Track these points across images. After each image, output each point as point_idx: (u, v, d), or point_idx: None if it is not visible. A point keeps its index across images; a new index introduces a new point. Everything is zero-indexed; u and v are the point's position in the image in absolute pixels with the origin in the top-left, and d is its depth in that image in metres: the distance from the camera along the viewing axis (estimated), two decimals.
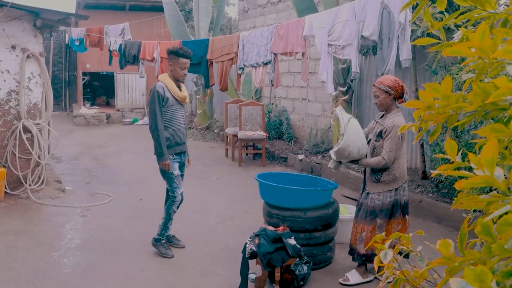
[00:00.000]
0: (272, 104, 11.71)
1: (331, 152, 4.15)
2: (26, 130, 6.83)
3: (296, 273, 4.06)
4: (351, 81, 8.20)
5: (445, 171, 1.23)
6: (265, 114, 10.56)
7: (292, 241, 4.06)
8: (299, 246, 4.07)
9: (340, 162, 4.19)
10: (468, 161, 1.11)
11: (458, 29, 1.64)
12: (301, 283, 4.12)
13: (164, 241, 4.93)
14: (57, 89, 17.97)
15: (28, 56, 6.87)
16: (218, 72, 8.84)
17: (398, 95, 4.06)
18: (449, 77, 1.30)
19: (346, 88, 8.19)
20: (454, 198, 5.04)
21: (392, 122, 3.99)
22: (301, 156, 8.99)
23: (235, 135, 9.65)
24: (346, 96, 8.24)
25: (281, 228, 4.24)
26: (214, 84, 9.24)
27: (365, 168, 4.27)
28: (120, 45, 10.93)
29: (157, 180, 7.92)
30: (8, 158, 6.77)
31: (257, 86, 8.05)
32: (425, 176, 6.82)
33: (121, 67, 10.98)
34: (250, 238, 4.11)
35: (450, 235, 5.36)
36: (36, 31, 7.00)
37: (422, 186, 6.56)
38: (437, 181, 6.35)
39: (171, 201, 4.91)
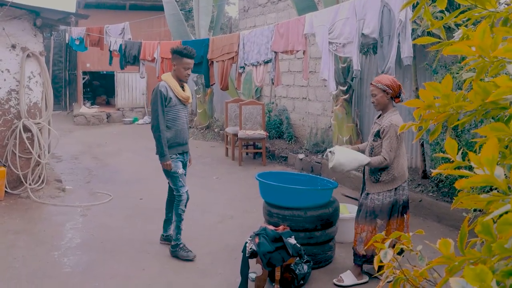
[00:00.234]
0: (273, 103, 11.71)
1: (331, 169, 4.13)
2: (26, 129, 6.83)
3: (296, 272, 4.06)
4: (352, 80, 8.20)
5: (446, 170, 1.23)
6: (266, 113, 10.56)
7: (292, 240, 4.05)
8: (299, 245, 4.07)
9: None
10: (469, 160, 1.11)
11: (458, 28, 1.63)
12: (301, 282, 4.11)
13: (182, 245, 4.80)
14: (57, 89, 17.98)
15: (28, 55, 6.87)
16: (219, 72, 8.83)
17: (395, 94, 4.07)
18: (449, 76, 1.29)
19: (346, 87, 8.19)
20: (454, 197, 5.05)
21: (389, 121, 3.99)
22: (301, 156, 8.99)
23: (235, 134, 9.65)
24: (347, 95, 8.23)
25: (281, 227, 4.24)
26: (214, 83, 9.24)
27: (364, 168, 4.27)
28: (121, 45, 10.92)
29: (157, 179, 7.94)
30: (8, 158, 6.77)
31: (258, 85, 8.06)
32: (425, 175, 6.82)
33: (121, 68, 10.98)
34: (250, 237, 4.11)
35: (450, 234, 5.36)
36: (36, 30, 6.99)
37: (422, 185, 6.56)
38: (437, 180, 6.35)
39: (177, 201, 4.83)
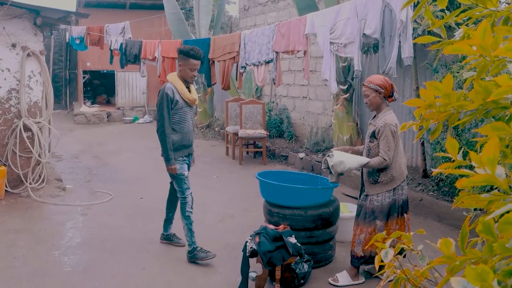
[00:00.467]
0: (273, 102, 11.71)
1: (329, 165, 4.11)
2: (27, 128, 6.83)
3: (296, 271, 4.06)
4: (352, 79, 8.19)
5: (447, 169, 1.23)
6: (266, 112, 10.56)
7: (292, 239, 4.05)
8: (299, 245, 4.07)
9: (341, 174, 4.15)
10: (469, 159, 1.11)
11: (459, 27, 1.63)
12: (302, 281, 4.11)
13: (199, 248, 4.66)
14: (57, 88, 17.96)
15: (28, 55, 6.87)
16: (220, 71, 8.83)
17: (388, 94, 4.07)
18: (450, 75, 1.29)
19: (346, 86, 8.18)
20: (454, 196, 5.05)
21: (384, 121, 3.98)
22: (301, 155, 8.99)
23: (236, 134, 9.65)
24: (347, 95, 8.23)
25: (281, 226, 4.24)
26: (216, 83, 9.24)
27: (362, 170, 4.26)
28: (121, 44, 10.92)
29: (157, 179, 7.95)
30: (9, 157, 6.77)
31: (259, 85, 8.05)
32: (425, 174, 6.81)
33: (122, 66, 10.98)
34: (250, 236, 4.11)
35: (450, 233, 5.35)
36: (36, 30, 6.99)
37: (422, 184, 6.56)
38: (438, 179, 6.35)
39: (182, 204, 4.72)
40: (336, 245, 4.78)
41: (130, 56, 10.66)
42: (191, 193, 4.78)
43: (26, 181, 6.80)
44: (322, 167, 4.20)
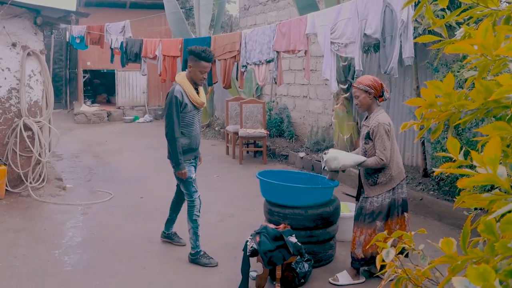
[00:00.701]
0: (273, 101, 11.71)
1: (325, 163, 4.13)
2: (27, 128, 6.83)
3: (297, 271, 4.06)
4: (352, 78, 8.19)
5: (448, 169, 1.23)
6: (266, 111, 10.56)
7: (293, 239, 4.05)
8: (300, 244, 4.07)
9: (337, 172, 4.15)
10: (471, 159, 1.10)
11: (460, 27, 1.63)
12: (302, 281, 4.12)
13: (203, 252, 4.64)
14: (57, 87, 17.95)
15: (28, 54, 6.86)
16: (221, 70, 8.83)
17: (378, 94, 4.05)
18: (451, 74, 1.29)
19: (347, 85, 8.18)
20: (455, 196, 5.04)
21: (376, 121, 3.97)
22: (302, 154, 8.99)
23: (236, 133, 9.65)
24: (347, 94, 8.23)
25: (282, 226, 4.24)
26: (217, 82, 9.24)
27: (359, 172, 4.26)
28: (122, 43, 10.92)
29: (158, 178, 7.96)
30: (9, 156, 6.77)
31: (260, 84, 8.05)
32: (426, 174, 6.81)
33: (123, 65, 10.98)
34: (251, 236, 4.11)
35: (451, 233, 5.35)
36: (36, 29, 6.99)
37: (423, 184, 6.56)
38: (438, 179, 6.35)
39: (190, 207, 4.63)
40: (336, 245, 4.78)
41: (131, 55, 10.66)
42: (199, 196, 4.67)
43: (27, 181, 6.80)
44: (322, 167, 4.20)
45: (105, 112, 16.66)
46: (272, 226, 4.20)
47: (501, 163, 1.06)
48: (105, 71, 18.24)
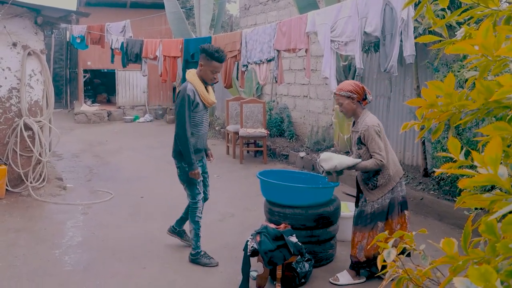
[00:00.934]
0: (273, 101, 11.70)
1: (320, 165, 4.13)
2: (27, 127, 6.83)
3: (297, 270, 4.06)
4: (353, 78, 8.19)
5: (449, 169, 1.23)
6: (266, 111, 10.56)
7: (293, 238, 4.05)
8: (300, 244, 4.07)
9: (339, 173, 4.12)
10: (471, 159, 1.11)
11: (460, 27, 1.63)
12: (303, 280, 4.12)
13: (203, 252, 4.62)
14: (58, 87, 17.95)
15: (29, 54, 6.87)
16: (222, 70, 8.81)
17: (361, 98, 4.05)
18: (452, 75, 1.29)
19: None
20: (455, 195, 5.04)
21: (365, 125, 3.96)
22: (302, 154, 8.99)
23: (236, 133, 9.65)
24: None
25: (282, 225, 4.24)
26: (218, 81, 9.22)
27: (357, 179, 4.24)
28: (122, 43, 10.92)
29: (158, 178, 7.96)
30: (9, 156, 6.77)
31: (261, 83, 8.05)
32: (426, 173, 6.81)
33: (124, 66, 10.99)
34: (251, 235, 4.11)
35: (451, 232, 5.35)
36: (37, 28, 6.99)
37: (423, 183, 6.55)
38: (439, 178, 6.34)
39: (193, 208, 4.59)
40: (337, 244, 4.78)
41: (132, 55, 10.66)
42: (202, 198, 4.65)
43: (27, 180, 6.80)
44: (320, 171, 4.19)
45: (105, 112, 16.66)
46: (272, 226, 4.20)
47: (502, 163, 1.06)
48: (106, 70, 18.24)
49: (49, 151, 7.41)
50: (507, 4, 1.48)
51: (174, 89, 17.43)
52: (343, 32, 5.99)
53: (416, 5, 5.21)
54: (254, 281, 4.11)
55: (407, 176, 6.88)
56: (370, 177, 4.04)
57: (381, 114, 8.13)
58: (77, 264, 4.58)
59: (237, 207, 6.44)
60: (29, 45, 6.88)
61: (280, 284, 3.99)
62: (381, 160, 3.90)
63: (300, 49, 7.01)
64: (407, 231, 3.99)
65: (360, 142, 4.02)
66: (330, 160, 3.99)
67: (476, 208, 4.40)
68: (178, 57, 9.68)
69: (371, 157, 3.96)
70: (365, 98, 4.07)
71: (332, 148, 9.02)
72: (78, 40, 12.62)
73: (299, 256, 4.09)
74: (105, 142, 12.00)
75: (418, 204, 6.12)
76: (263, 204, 4.90)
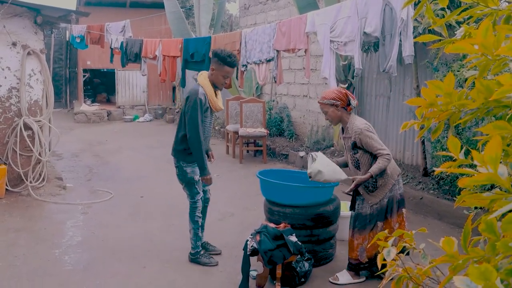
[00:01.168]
0: (273, 101, 11.70)
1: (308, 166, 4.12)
2: (27, 127, 6.83)
3: (297, 270, 4.06)
4: (352, 77, 8.19)
5: (449, 168, 1.23)
6: (266, 111, 10.56)
7: (293, 238, 4.06)
8: (300, 243, 4.07)
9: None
10: (471, 158, 1.11)
11: (460, 26, 1.63)
12: (302, 280, 4.12)
13: (203, 252, 4.64)
14: (57, 86, 17.93)
15: (28, 53, 6.86)
16: None
17: (345, 104, 4.04)
18: (451, 74, 1.29)
19: (347, 85, 8.18)
20: (455, 195, 5.05)
21: (357, 129, 3.96)
22: (302, 153, 8.99)
23: (236, 132, 9.65)
24: None
25: (282, 225, 4.24)
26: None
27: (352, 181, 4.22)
28: (122, 43, 10.92)
29: (158, 177, 7.96)
30: (9, 155, 6.77)
31: (261, 83, 8.05)
32: (426, 173, 6.82)
33: (123, 65, 10.98)
34: (251, 235, 4.11)
35: (451, 232, 5.36)
36: (36, 28, 6.99)
37: (423, 183, 6.56)
38: (438, 178, 6.35)
39: (192, 208, 4.59)
40: (336, 244, 4.79)
41: (131, 55, 10.65)
42: (201, 198, 4.65)
43: (27, 180, 6.80)
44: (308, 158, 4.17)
45: (105, 112, 16.66)
46: (272, 225, 4.20)
47: (501, 162, 1.06)
48: (105, 70, 18.24)
49: (49, 150, 7.41)
50: (507, 3, 1.48)
51: (174, 89, 17.43)
52: (343, 32, 5.98)
53: (415, 4, 5.21)
54: (254, 280, 4.11)
55: (407, 175, 6.88)
56: (370, 180, 4.03)
57: (381, 113, 8.14)
58: (77, 264, 4.58)
59: (237, 207, 6.44)
60: (28, 44, 6.88)
61: (280, 284, 3.99)
62: (388, 154, 3.88)
63: (299, 49, 7.01)
64: (405, 229, 3.99)
65: (355, 147, 4.01)
66: (320, 174, 3.96)
67: (476, 207, 4.40)
68: (178, 56, 9.67)
69: (371, 159, 3.96)
70: (349, 104, 4.05)
71: (332, 148, 9.02)
72: (78, 40, 12.62)
73: (299, 256, 4.10)
74: (104, 142, 12.00)
75: (418, 203, 6.12)
76: (262, 204, 4.90)
